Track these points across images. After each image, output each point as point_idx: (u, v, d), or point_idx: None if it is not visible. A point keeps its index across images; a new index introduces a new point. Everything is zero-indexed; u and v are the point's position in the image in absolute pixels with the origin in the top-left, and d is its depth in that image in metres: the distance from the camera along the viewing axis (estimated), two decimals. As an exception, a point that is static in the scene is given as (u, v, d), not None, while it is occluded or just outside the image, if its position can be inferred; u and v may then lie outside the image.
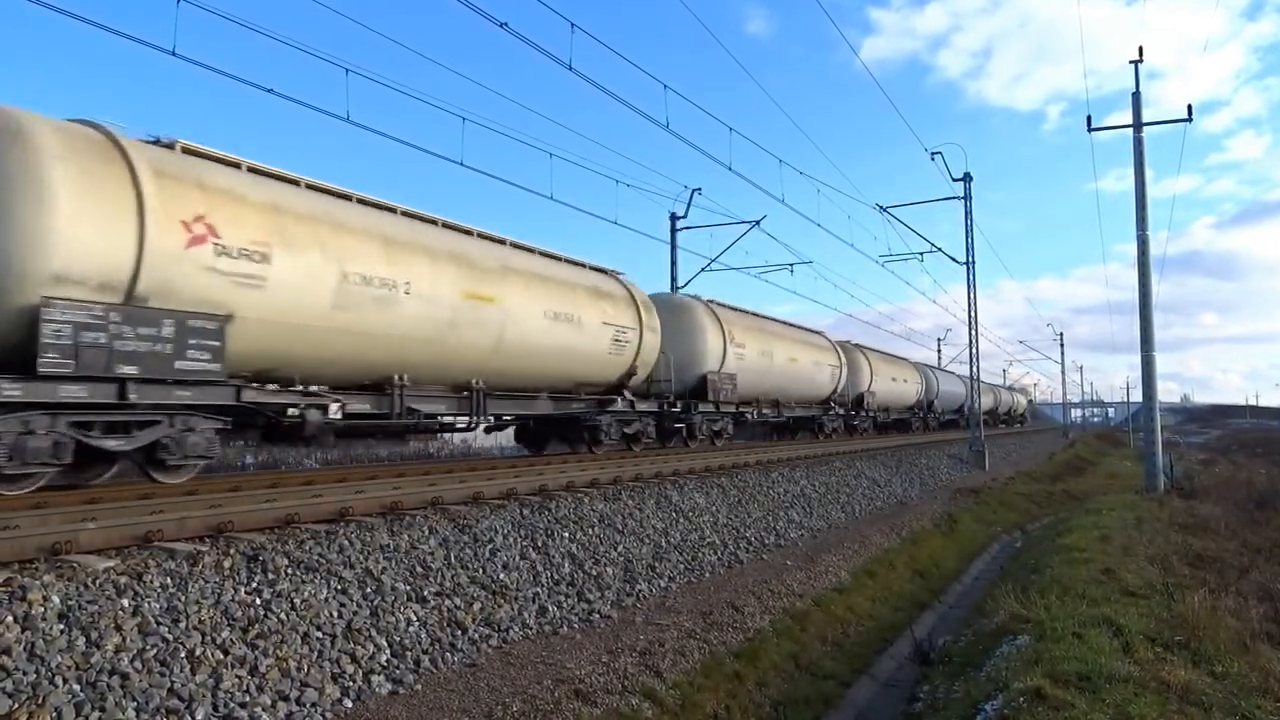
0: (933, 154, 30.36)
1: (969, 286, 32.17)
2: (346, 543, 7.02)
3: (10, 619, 4.69)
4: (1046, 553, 12.90)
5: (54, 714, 4.28)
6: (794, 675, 8.31)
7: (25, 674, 4.42)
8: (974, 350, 32.95)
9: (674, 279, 30.28)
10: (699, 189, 41.18)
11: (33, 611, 4.80)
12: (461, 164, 15.33)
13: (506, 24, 12.52)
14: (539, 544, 8.68)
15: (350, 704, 5.38)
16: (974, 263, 31.80)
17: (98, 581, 5.28)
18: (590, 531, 9.52)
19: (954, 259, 33.18)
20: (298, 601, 6.01)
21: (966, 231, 31.69)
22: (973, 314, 32.39)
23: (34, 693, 4.34)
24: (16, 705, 4.23)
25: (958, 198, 31.85)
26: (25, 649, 4.56)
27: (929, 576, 13.86)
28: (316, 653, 5.66)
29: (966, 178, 31.77)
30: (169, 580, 5.58)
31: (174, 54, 10.48)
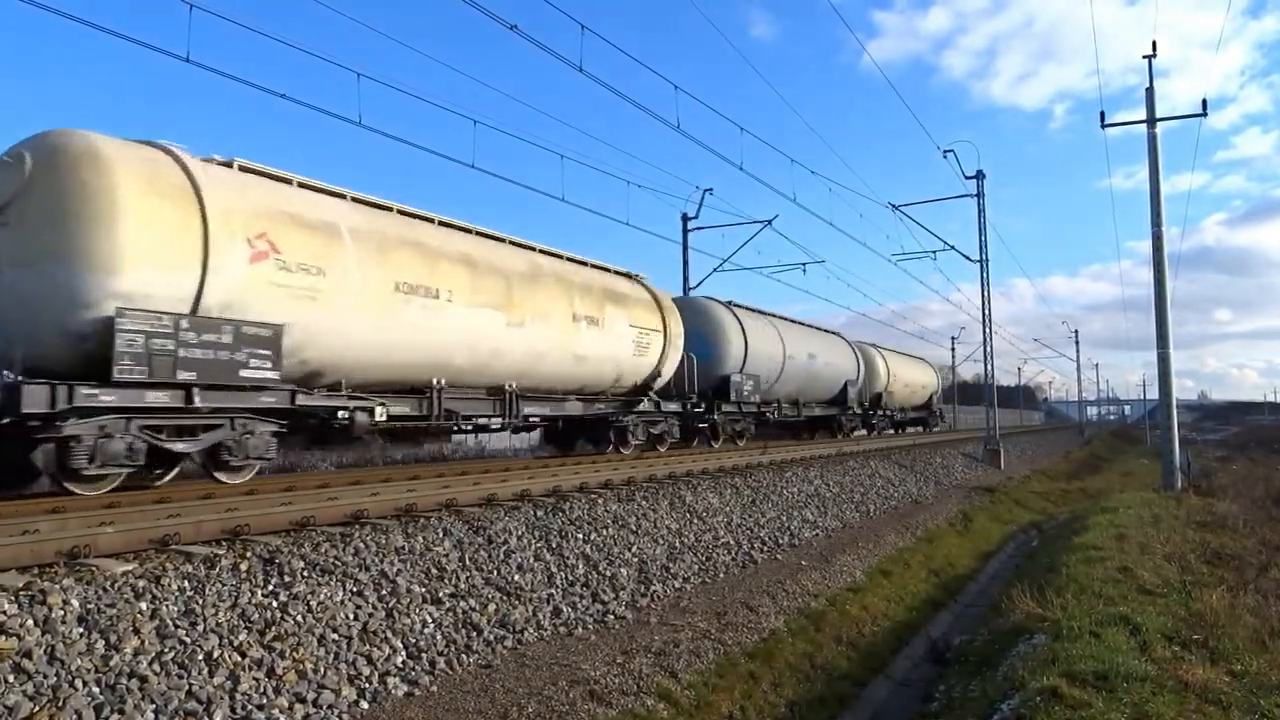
0: (945, 151, 30.33)
1: (982, 284, 32.03)
2: (362, 545, 7.05)
3: (31, 622, 4.74)
4: (1063, 551, 12.82)
5: (74, 716, 4.31)
6: (809, 675, 8.30)
7: (46, 677, 4.47)
8: (988, 348, 32.80)
9: (686, 279, 30.32)
10: (710, 189, 41.19)
11: (53, 615, 4.85)
12: (473, 166, 15.29)
13: (517, 26, 12.57)
14: (553, 545, 8.69)
15: (366, 706, 5.41)
16: (987, 260, 31.68)
17: (116, 585, 5.33)
18: (604, 532, 9.53)
19: (967, 257, 33.08)
20: (314, 604, 6.05)
21: (979, 229, 31.57)
22: (986, 311, 32.25)
23: (54, 695, 4.38)
24: (37, 708, 4.27)
25: (970, 195, 31.75)
26: (45, 652, 4.61)
27: (944, 576, 13.81)
28: (333, 655, 5.69)
29: (979, 175, 31.65)
30: (187, 583, 5.63)
31: (188, 60, 10.56)
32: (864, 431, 33.78)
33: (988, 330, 32.60)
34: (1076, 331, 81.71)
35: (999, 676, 7.15)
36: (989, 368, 33.27)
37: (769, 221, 29.49)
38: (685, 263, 30.74)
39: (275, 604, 5.86)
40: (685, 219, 30.74)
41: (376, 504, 8.29)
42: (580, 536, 9.15)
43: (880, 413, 34.79)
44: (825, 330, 29.92)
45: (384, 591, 6.61)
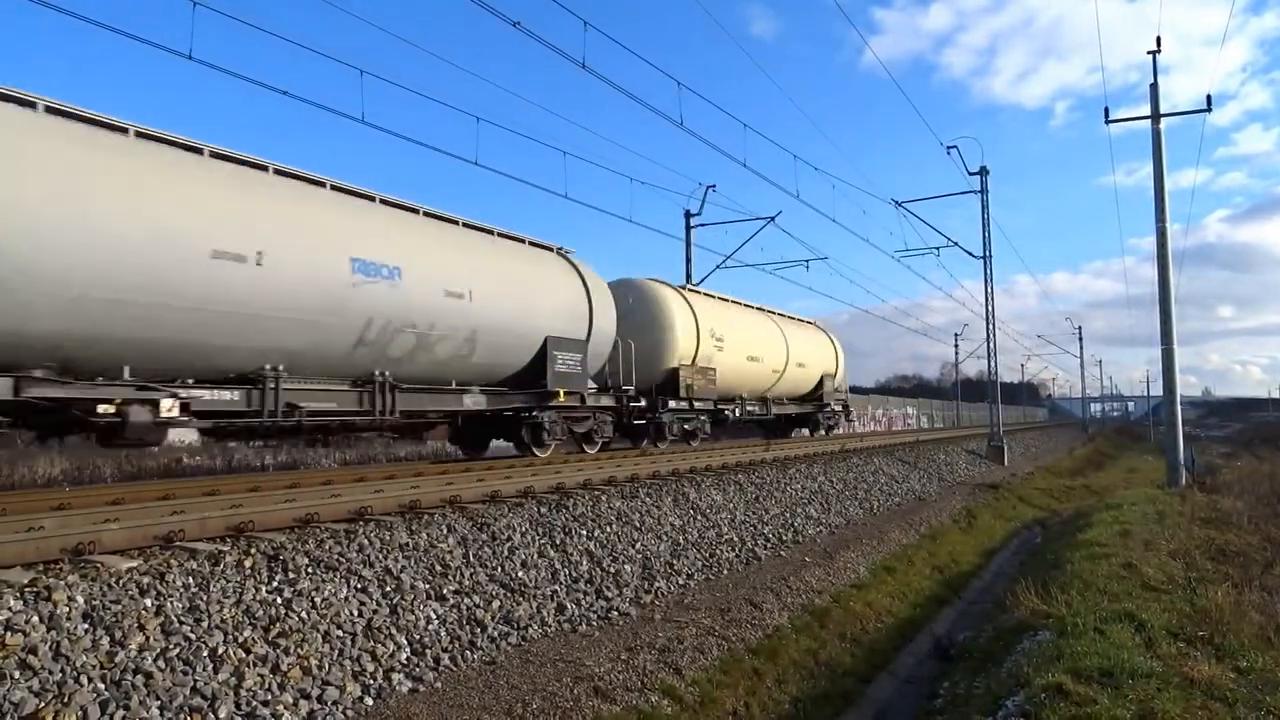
0: (949, 148, 30.29)
1: (986, 281, 32.02)
2: (366, 542, 7.06)
3: (36, 619, 4.74)
4: (1067, 548, 12.80)
5: (79, 713, 4.32)
6: (813, 672, 8.29)
7: (51, 673, 4.47)
8: (992, 344, 32.77)
9: (689, 276, 30.29)
10: (713, 186, 41.13)
11: (58, 611, 4.86)
12: (476, 163, 15.26)
13: (520, 23, 12.54)
14: (557, 542, 8.69)
15: (371, 702, 5.42)
16: (991, 257, 31.63)
17: (121, 581, 5.34)
18: (608, 529, 9.53)
19: (970, 253, 33.06)
20: (318, 600, 6.05)
21: (983, 225, 31.53)
22: (990, 307, 32.22)
23: (60, 691, 4.39)
24: (43, 704, 4.28)
25: (974, 191, 31.70)
26: (51, 648, 4.61)
27: (948, 572, 13.79)
28: (337, 651, 5.70)
29: (983, 171, 31.60)
30: (191, 580, 5.64)
31: (190, 57, 10.56)
32: (644, 444, 18.68)
33: (991, 327, 32.59)
34: (1080, 328, 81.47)
35: (1004, 673, 7.14)
36: (993, 364, 33.26)
37: (772, 218, 29.46)
38: (688, 259, 30.73)
39: (279, 600, 5.87)
40: (688, 215, 30.73)
41: (380, 501, 8.30)
42: (584, 533, 9.15)
43: (681, 405, 18.62)
44: (504, 236, 14.13)
45: (388, 588, 6.62)
